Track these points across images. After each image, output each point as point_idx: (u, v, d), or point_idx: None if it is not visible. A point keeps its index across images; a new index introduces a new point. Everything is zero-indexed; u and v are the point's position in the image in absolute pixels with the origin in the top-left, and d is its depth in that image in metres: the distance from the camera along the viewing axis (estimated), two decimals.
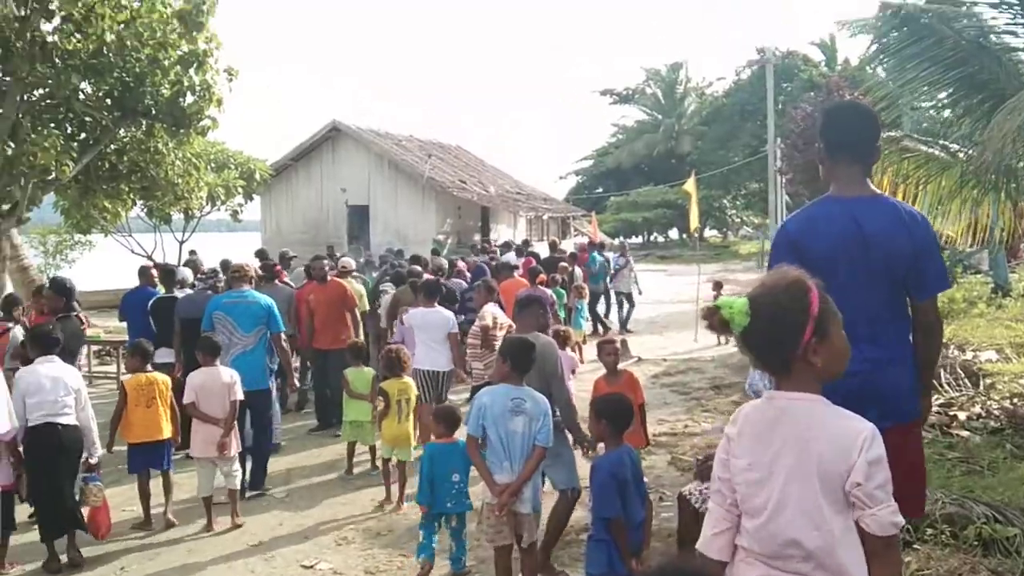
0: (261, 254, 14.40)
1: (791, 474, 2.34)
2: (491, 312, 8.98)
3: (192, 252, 21.63)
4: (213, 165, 21.03)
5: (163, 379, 7.16)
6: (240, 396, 7.05)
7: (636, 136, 57.07)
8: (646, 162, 55.52)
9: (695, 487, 5.48)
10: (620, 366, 9.79)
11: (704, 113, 55.45)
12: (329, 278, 10.24)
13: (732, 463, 2.47)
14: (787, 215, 8.12)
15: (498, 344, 8.74)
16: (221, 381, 6.95)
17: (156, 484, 7.10)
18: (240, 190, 23.09)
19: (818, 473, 2.30)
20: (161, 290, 9.65)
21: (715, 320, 2.49)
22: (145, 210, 20.89)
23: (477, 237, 29.93)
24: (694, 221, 17.29)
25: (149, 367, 7.19)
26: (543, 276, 12.32)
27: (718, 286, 16.70)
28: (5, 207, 12.87)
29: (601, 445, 5.08)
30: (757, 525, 2.40)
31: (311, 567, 6.15)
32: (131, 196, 16.13)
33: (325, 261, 10.80)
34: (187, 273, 10.65)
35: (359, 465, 8.53)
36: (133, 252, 23.77)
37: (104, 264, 26.27)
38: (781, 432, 2.38)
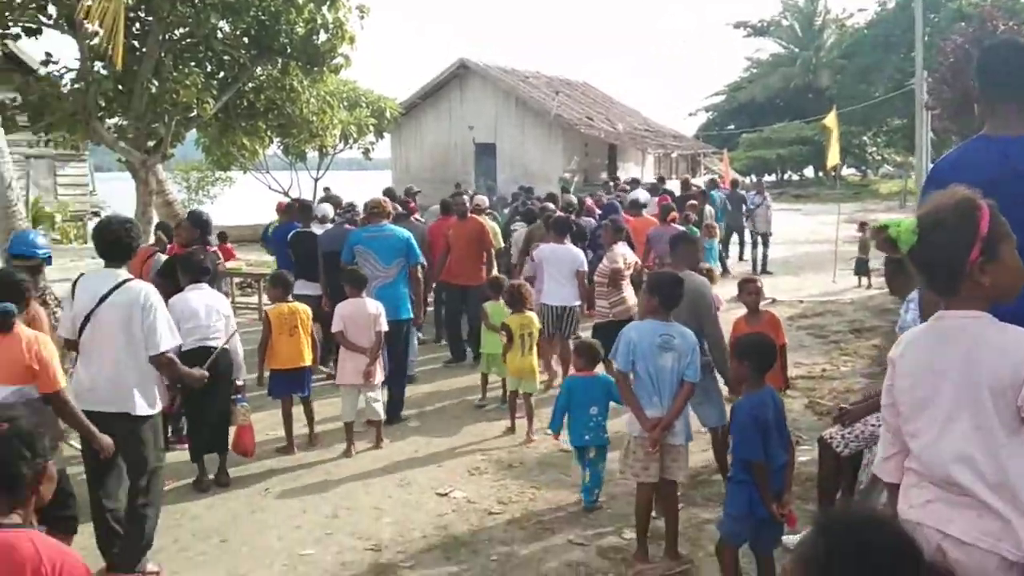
0: (389, 193, 14.56)
1: (959, 393, 2.27)
2: (621, 252, 8.97)
3: (326, 189, 22.14)
4: (346, 103, 21.35)
5: (304, 308, 7.41)
6: (385, 327, 7.25)
7: (771, 70, 54.83)
8: (781, 97, 53.42)
9: (836, 431, 5.29)
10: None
11: (844, 45, 52.72)
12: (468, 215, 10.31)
13: (896, 385, 2.43)
14: (932, 153, 7.63)
15: (625, 283, 8.78)
16: (367, 312, 7.15)
17: (296, 411, 7.37)
18: (371, 128, 23.43)
19: (988, 390, 2.22)
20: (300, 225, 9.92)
21: (882, 239, 2.41)
22: (281, 148, 21.47)
23: (604, 175, 29.58)
24: (833, 158, 16.51)
25: (290, 297, 7.42)
26: (675, 214, 12.02)
27: (863, 226, 15.96)
28: (150, 144, 13.38)
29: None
30: (923, 445, 2.34)
31: (445, 495, 6.26)
32: (268, 134, 16.55)
33: (465, 197, 10.93)
34: (328, 208, 10.94)
35: (492, 400, 8.63)
36: (270, 188, 24.54)
37: (243, 200, 27.28)
38: (947, 351, 2.32)
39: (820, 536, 1.85)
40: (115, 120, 13.28)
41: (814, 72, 52.19)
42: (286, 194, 24.18)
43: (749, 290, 6.72)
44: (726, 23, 71.03)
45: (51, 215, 21.97)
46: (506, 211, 13.88)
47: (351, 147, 24.19)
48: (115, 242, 4.89)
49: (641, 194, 15.35)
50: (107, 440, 4.58)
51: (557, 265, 8.93)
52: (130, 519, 4.90)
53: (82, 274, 5.09)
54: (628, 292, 8.99)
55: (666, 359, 5.04)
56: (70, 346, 4.96)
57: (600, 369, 6.51)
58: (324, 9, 13.25)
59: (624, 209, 12.97)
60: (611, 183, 20.38)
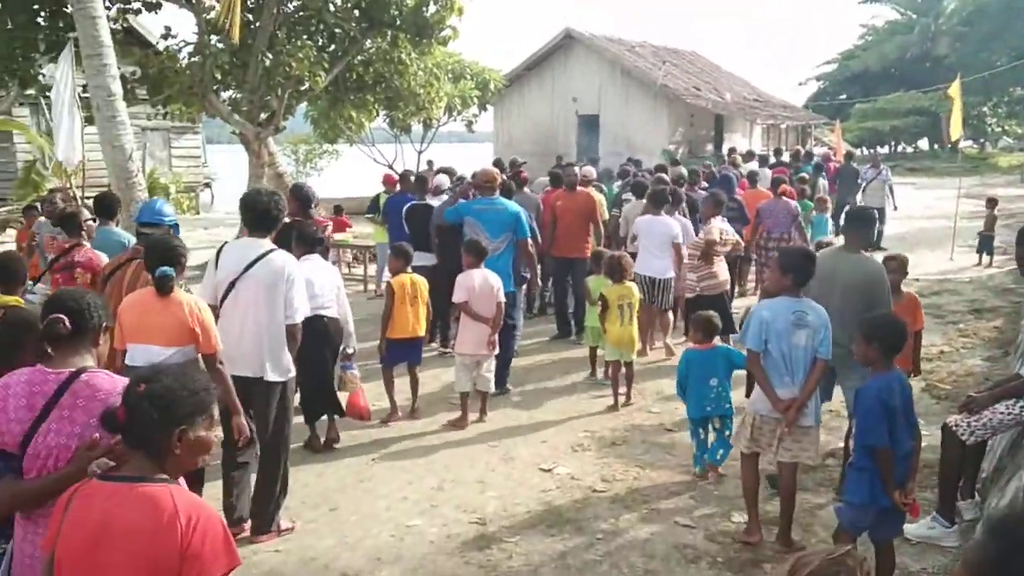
0: (498, 164, 14.60)
1: None
2: (718, 226, 9.02)
3: (430, 162, 22.32)
4: (450, 76, 21.42)
5: (422, 280, 7.60)
6: (503, 298, 7.35)
7: (887, 37, 52.47)
8: (896, 66, 51.11)
9: (962, 419, 5.09)
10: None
11: (965, 12, 50.07)
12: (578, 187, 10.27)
13: None
14: None
15: (718, 259, 8.82)
16: (489, 283, 7.27)
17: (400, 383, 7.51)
18: (475, 100, 23.47)
19: None
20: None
21: None
22: (387, 120, 21.69)
23: (710, 147, 28.99)
24: (956, 129, 15.76)
25: (409, 268, 7.61)
26: (786, 187, 11.69)
27: (992, 203, 15.19)
28: (263, 116, 13.68)
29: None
30: None
31: (549, 471, 6.26)
32: (376, 106, 16.76)
33: (576, 168, 10.94)
34: (444, 180, 11.05)
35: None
36: (375, 161, 24.86)
37: (349, 172, 27.73)
38: None
39: (993, 540, 1.73)
40: (229, 93, 13.61)
41: (932, 40, 49.78)
42: (390, 167, 24.46)
43: (891, 268, 6.34)
44: None
45: (166, 186, 22.75)
46: (616, 184, 13.67)
47: (455, 119, 24.30)
48: (264, 213, 5.05)
49: (755, 166, 15.03)
50: (244, 424, 4.76)
51: (651, 237, 9.05)
52: (261, 480, 5.12)
53: (226, 242, 5.29)
54: (720, 267, 9.01)
55: (800, 337, 4.95)
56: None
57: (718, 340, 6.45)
58: None
59: (739, 181, 12.77)
60: (725, 155, 19.88)
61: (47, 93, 12.47)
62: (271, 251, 5.03)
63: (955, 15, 50.48)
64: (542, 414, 7.58)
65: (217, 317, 4.93)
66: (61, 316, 2.96)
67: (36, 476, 2.78)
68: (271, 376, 5.00)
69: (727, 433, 6.13)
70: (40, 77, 12.90)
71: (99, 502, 2.31)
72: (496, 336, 7.31)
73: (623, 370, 7.84)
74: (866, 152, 36.00)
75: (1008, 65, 42.14)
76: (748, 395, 6.22)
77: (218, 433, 4.30)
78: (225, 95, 13.51)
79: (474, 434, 7.07)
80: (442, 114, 21.64)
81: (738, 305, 10.48)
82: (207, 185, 27.36)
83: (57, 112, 11.00)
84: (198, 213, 24.00)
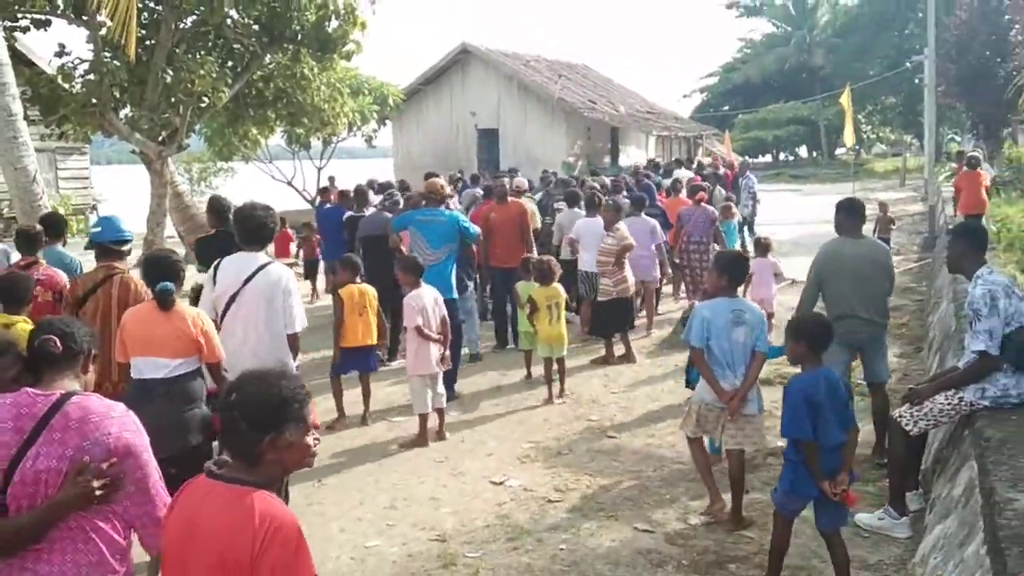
0: (402, 184, 14.47)
1: None
2: (625, 231, 9.45)
3: (331, 178, 22.01)
4: (348, 91, 21.18)
5: (371, 290, 7.68)
6: (444, 311, 7.30)
7: (765, 50, 54.49)
8: (776, 77, 53.10)
9: (905, 410, 5.27)
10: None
11: (838, 24, 52.58)
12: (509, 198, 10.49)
13: None
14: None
15: (626, 262, 9.35)
16: (434, 299, 7.22)
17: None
18: (374, 115, 23.26)
19: None
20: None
21: None
22: (284, 136, 21.29)
23: (607, 159, 29.47)
24: (850, 137, 16.44)
25: (358, 279, 7.65)
26: (703, 194, 12.07)
27: (884, 206, 15.84)
28: (164, 134, 13.24)
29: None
30: None
31: (501, 483, 6.20)
32: (277, 122, 16.41)
33: (505, 180, 11.35)
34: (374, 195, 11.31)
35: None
36: (274, 178, 24.36)
37: (245, 190, 27.05)
38: None
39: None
40: (127, 111, 13.12)
41: (808, 51, 51.97)
42: (290, 183, 24.03)
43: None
44: (718, 3, 70.67)
45: (55, 208, 21.73)
46: (536, 194, 13.75)
47: (354, 135, 24.02)
48: (259, 227, 5.22)
49: (683, 175, 15.59)
50: None
51: (588, 237, 9.86)
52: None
53: (221, 259, 5.33)
54: (629, 271, 9.32)
55: (738, 333, 5.34)
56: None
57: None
58: None
59: (660, 190, 13.45)
60: (642, 167, 20.23)
61: None
62: (268, 264, 5.18)
63: (828, 27, 52.88)
64: (484, 426, 7.53)
65: (218, 331, 4.94)
66: (52, 337, 2.87)
67: (17, 508, 2.63)
68: None
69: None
70: None
71: (198, 497, 2.38)
72: (448, 351, 7.30)
73: (555, 366, 8.25)
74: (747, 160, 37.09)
75: (880, 75, 44.28)
76: (688, 386, 6.70)
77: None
78: (123, 113, 12.99)
79: (417, 450, 6.95)
80: (343, 130, 21.37)
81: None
82: (94, 207, 26.27)
83: None
84: (86, 235, 22.99)
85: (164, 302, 4.62)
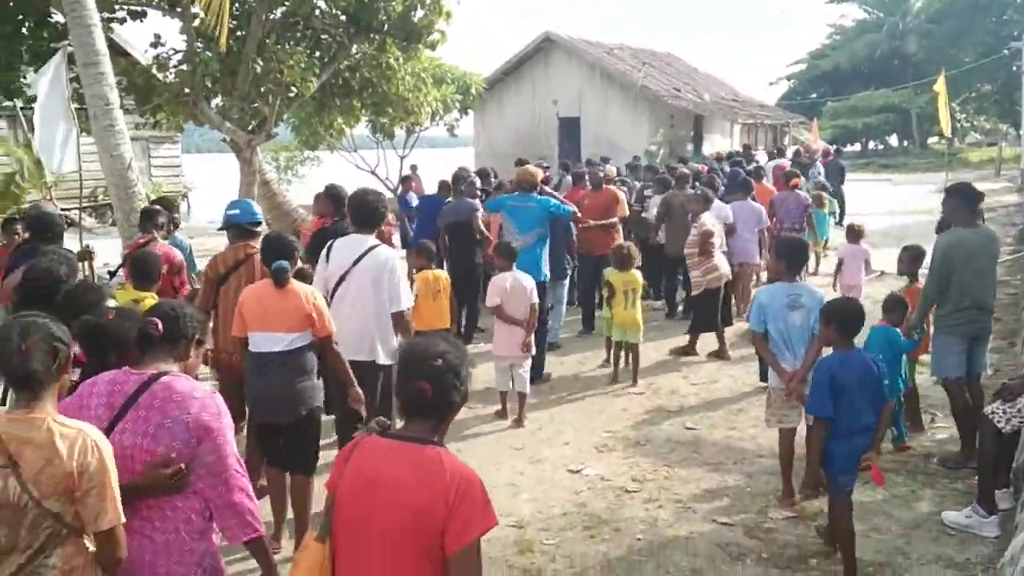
0: (482, 172, 14.54)
1: None
2: (709, 221, 9.30)
3: (413, 167, 22.23)
4: (432, 80, 21.34)
5: (445, 276, 7.81)
6: (536, 299, 7.39)
7: (856, 36, 52.92)
8: (866, 64, 51.55)
9: (998, 406, 5.12)
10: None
11: (932, 9, 50.68)
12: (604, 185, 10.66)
13: None
14: None
15: (716, 252, 9.21)
16: (522, 285, 7.31)
17: None
18: (456, 105, 23.38)
19: None
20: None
21: None
22: (369, 126, 21.55)
23: (690, 147, 29.10)
24: (945, 125, 15.92)
25: (433, 264, 7.80)
26: (797, 180, 12.02)
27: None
28: (254, 123, 13.55)
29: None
30: None
31: (578, 472, 6.22)
32: (362, 111, 16.62)
33: (599, 167, 11.52)
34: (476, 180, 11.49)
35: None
36: (358, 167, 24.69)
37: (331, 179, 27.49)
38: None
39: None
40: (218, 101, 13.46)
41: (901, 38, 50.31)
42: (373, 172, 24.34)
43: (904, 258, 7.38)
44: None
45: (146, 196, 22.42)
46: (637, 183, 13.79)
47: (437, 124, 24.18)
48: (373, 212, 5.56)
49: (769, 165, 15.64)
50: (359, 393, 5.07)
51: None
52: None
53: (334, 240, 5.65)
54: (719, 259, 9.14)
55: (795, 317, 5.48)
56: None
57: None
58: None
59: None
60: (735, 155, 20.19)
61: (31, 104, 12.27)
62: (376, 246, 5.46)
63: (922, 13, 51.07)
64: (562, 414, 7.55)
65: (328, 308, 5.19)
66: (156, 320, 3.02)
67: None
68: (382, 359, 5.42)
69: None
70: (25, 88, 12.68)
71: (378, 454, 2.54)
72: (532, 338, 7.35)
73: (627, 352, 8.47)
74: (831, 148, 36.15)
75: (975, 62, 42.70)
76: (762, 377, 6.96)
77: None
78: (214, 103, 13.34)
79: (495, 437, 7.02)
80: (426, 119, 21.56)
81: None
82: (184, 195, 27.06)
83: (45, 122, 10.80)
84: (177, 225, 23.68)
85: (280, 279, 4.84)
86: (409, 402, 2.59)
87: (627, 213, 10.81)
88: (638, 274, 8.48)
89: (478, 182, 11.32)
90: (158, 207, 7.34)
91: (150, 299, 5.16)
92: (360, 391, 5.07)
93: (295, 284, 4.93)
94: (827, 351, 5.02)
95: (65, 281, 4.46)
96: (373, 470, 2.51)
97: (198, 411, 2.88)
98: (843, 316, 4.70)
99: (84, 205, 12.75)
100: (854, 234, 9.94)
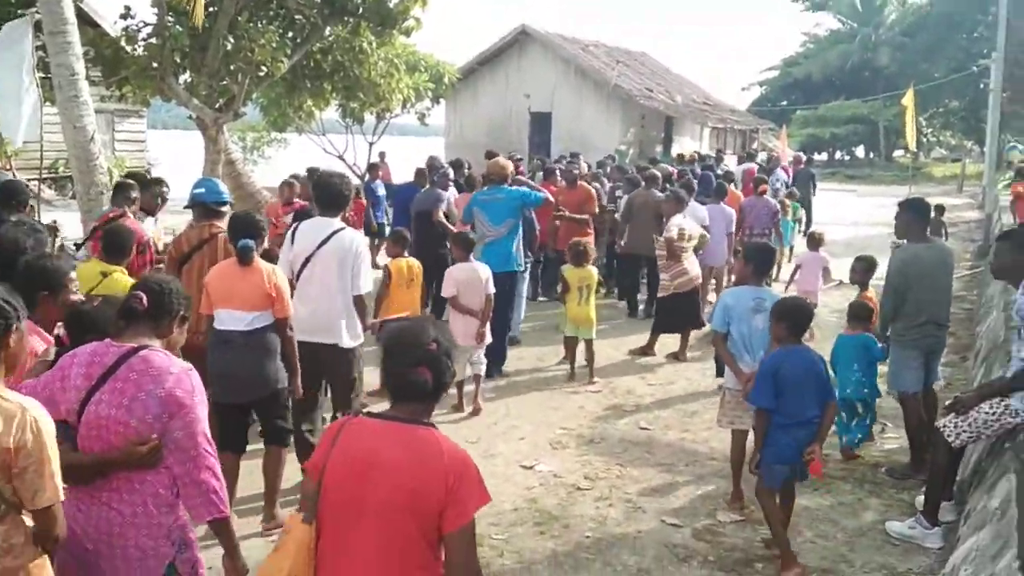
0: (456, 163, 14.49)
1: None
2: (677, 224, 9.22)
3: (382, 153, 22.11)
4: (405, 67, 21.18)
5: (418, 264, 7.78)
6: (492, 290, 7.45)
7: (829, 46, 53.37)
8: (837, 74, 52.05)
9: (950, 420, 5.17)
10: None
11: (906, 23, 51.34)
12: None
13: None
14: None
15: (686, 255, 9.14)
16: (478, 276, 7.39)
17: None
18: (429, 93, 23.24)
19: None
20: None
21: None
22: (339, 110, 21.36)
23: (659, 148, 29.23)
24: (911, 138, 16.13)
25: (406, 253, 7.76)
26: (765, 186, 12.12)
27: (940, 210, 15.52)
28: (221, 101, 13.37)
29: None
30: None
31: (531, 468, 6.22)
32: (333, 95, 16.45)
33: (574, 164, 11.77)
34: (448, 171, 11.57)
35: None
36: (325, 151, 24.48)
37: (297, 162, 27.25)
38: None
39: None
40: (186, 77, 13.26)
41: (873, 50, 50.84)
42: (341, 157, 24.14)
43: (858, 268, 7.65)
44: None
45: (109, 170, 22.07)
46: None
47: (408, 112, 24.02)
48: (337, 194, 5.58)
49: (735, 167, 15.72)
50: (299, 387, 5.20)
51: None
52: None
53: (298, 223, 5.72)
54: (689, 263, 9.14)
55: (758, 320, 5.57)
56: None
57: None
58: None
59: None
60: (708, 157, 20.28)
61: None
62: (341, 229, 5.48)
63: (896, 25, 51.70)
64: (519, 409, 7.55)
65: (293, 289, 5.27)
66: (140, 294, 3.04)
67: (86, 447, 2.90)
68: (346, 342, 5.47)
69: (868, 420, 6.48)
70: None
71: (368, 437, 2.54)
72: (487, 327, 7.38)
73: (582, 346, 8.48)
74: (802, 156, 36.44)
75: (945, 77, 43.27)
76: (718, 374, 7.13)
77: None
78: (182, 79, 13.14)
79: (451, 429, 6.98)
80: (397, 106, 21.42)
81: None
82: (148, 171, 26.66)
83: (6, 91, 10.59)
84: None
85: (244, 258, 4.95)
86: (406, 387, 2.59)
87: (597, 210, 10.89)
88: (593, 270, 8.58)
89: (451, 172, 11.36)
90: (132, 181, 7.24)
91: (118, 272, 5.27)
92: (300, 386, 5.19)
93: (259, 263, 5.00)
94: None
95: (29, 252, 4.35)
96: (367, 451, 2.52)
97: (172, 386, 2.91)
98: (795, 315, 4.94)
99: (44, 176, 12.49)
100: (814, 242, 10.12)
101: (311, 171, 7.74)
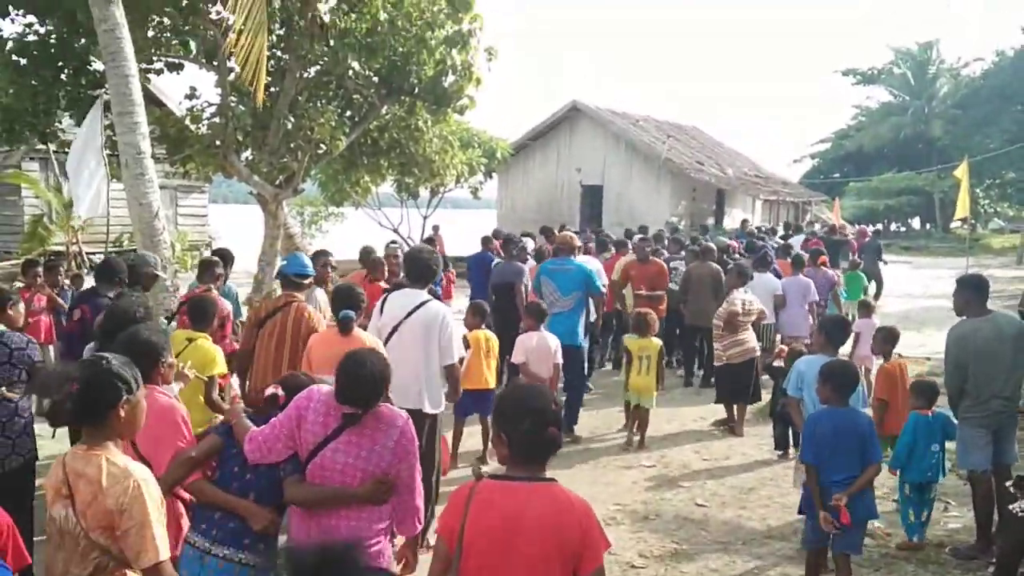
0: (496, 234, 14.73)
1: None
2: (740, 298, 9.30)
3: (435, 227, 22.44)
4: (459, 143, 21.61)
5: (495, 337, 8.02)
6: (560, 359, 7.69)
7: (881, 118, 53.27)
8: (890, 146, 51.87)
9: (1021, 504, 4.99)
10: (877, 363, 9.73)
11: (958, 95, 51.06)
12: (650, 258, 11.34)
13: None
14: None
15: (743, 329, 9.24)
16: (547, 344, 7.67)
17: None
18: (482, 168, 23.65)
19: None
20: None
21: None
22: (394, 185, 21.82)
23: (711, 220, 29.27)
24: (963, 209, 16.00)
25: (484, 325, 8.02)
26: (824, 258, 12.24)
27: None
28: (282, 177, 13.74)
29: None
30: None
31: None
32: (389, 171, 16.83)
33: (648, 240, 12.39)
34: (529, 243, 12.29)
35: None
36: (381, 225, 24.94)
37: (353, 235, 27.75)
38: None
39: None
40: (247, 154, 13.68)
41: (926, 122, 50.64)
42: (395, 230, 24.55)
43: (878, 339, 7.63)
44: (834, 70, 69.61)
45: (172, 244, 22.70)
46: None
47: (461, 186, 24.45)
48: (425, 267, 5.90)
49: (795, 241, 15.89)
50: None
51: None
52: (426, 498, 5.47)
53: (389, 293, 6.07)
54: (746, 335, 9.24)
55: None
56: None
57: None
58: (454, 51, 13.44)
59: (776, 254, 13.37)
60: (763, 229, 20.77)
61: (65, 149, 12.51)
62: (428, 300, 5.79)
63: (948, 98, 51.49)
64: (572, 484, 7.43)
65: None
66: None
67: (321, 481, 3.53)
68: (428, 409, 5.62)
69: (932, 497, 6.26)
70: (60, 133, 12.96)
71: (509, 496, 2.80)
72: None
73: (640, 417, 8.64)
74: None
75: (1001, 150, 42.83)
76: (777, 446, 7.76)
77: None
78: (244, 156, 13.55)
79: None
80: (451, 181, 21.81)
81: None
82: (209, 244, 27.37)
83: (76, 167, 11.03)
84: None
85: (345, 327, 5.43)
86: (541, 447, 2.84)
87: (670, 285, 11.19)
88: (655, 340, 8.70)
89: (530, 246, 11.88)
90: (217, 259, 7.89)
91: (202, 339, 5.73)
92: None
93: (359, 332, 5.47)
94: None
95: (140, 321, 4.76)
96: (509, 512, 2.75)
97: (399, 437, 3.59)
98: (840, 379, 5.10)
99: (109, 250, 12.90)
100: (865, 309, 10.07)
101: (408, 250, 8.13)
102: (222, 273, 7.64)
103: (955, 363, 5.94)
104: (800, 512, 5.38)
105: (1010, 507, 5.09)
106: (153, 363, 3.96)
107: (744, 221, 22.12)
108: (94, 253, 19.55)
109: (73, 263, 19.13)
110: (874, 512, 5.14)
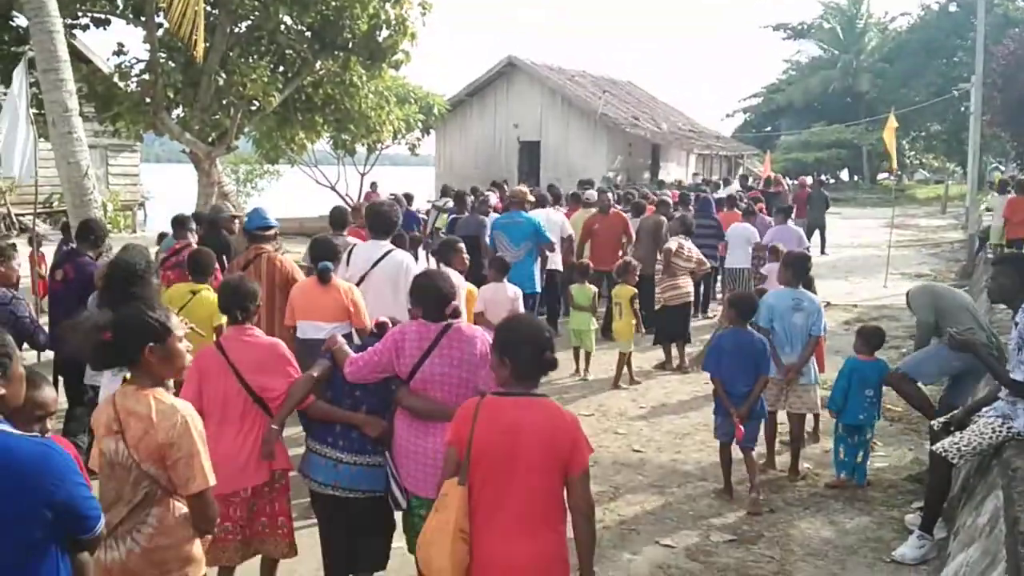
0: (445, 190, 14.78)
1: None
2: (678, 241, 9.97)
3: (373, 183, 22.30)
4: (395, 99, 21.44)
5: (472, 287, 8.03)
6: (522, 309, 7.77)
7: (811, 73, 53.99)
8: (820, 100, 52.64)
9: (949, 444, 5.10)
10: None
11: (886, 49, 51.97)
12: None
13: None
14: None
15: (681, 273, 9.76)
16: (507, 295, 7.82)
17: None
18: (419, 124, 23.51)
19: None
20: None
21: None
22: (331, 142, 21.61)
23: (646, 175, 29.54)
24: (893, 161, 16.41)
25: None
26: (762, 205, 12.80)
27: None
28: (214, 135, 13.55)
29: None
30: None
31: None
32: (324, 127, 16.68)
33: (609, 194, 12.66)
34: (492, 198, 12.27)
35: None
36: (317, 183, 24.68)
37: (289, 193, 27.45)
38: None
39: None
40: (179, 112, 13.45)
41: (854, 75, 51.44)
42: (333, 187, 24.33)
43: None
44: (764, 24, 70.18)
45: (103, 204, 22.20)
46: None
47: (398, 142, 24.29)
48: (385, 219, 6.27)
49: (734, 190, 16.69)
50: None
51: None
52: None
53: (354, 245, 6.37)
54: (682, 280, 9.80)
55: (797, 317, 6.58)
56: None
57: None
58: (388, 5, 13.34)
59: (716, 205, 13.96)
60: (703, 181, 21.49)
61: None
62: (391, 251, 6.19)
63: (876, 52, 52.36)
64: None
65: None
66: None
67: (424, 392, 4.06)
68: None
69: (868, 438, 6.52)
70: None
71: (510, 408, 3.21)
72: None
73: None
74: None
75: (926, 102, 43.80)
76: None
77: None
78: (175, 113, 13.33)
79: None
80: (388, 137, 21.65)
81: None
82: (141, 204, 26.83)
83: (8, 128, 10.73)
84: (134, 231, 23.51)
85: (323, 278, 5.80)
86: (540, 367, 3.28)
87: (634, 236, 11.48)
88: (629, 288, 9.19)
89: (492, 199, 11.95)
90: (187, 215, 8.48)
91: (205, 290, 5.94)
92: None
93: (336, 281, 5.86)
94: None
95: (143, 274, 4.90)
96: (511, 420, 3.17)
97: (480, 347, 4.06)
98: (744, 305, 6.29)
99: (39, 211, 12.61)
100: (775, 255, 10.30)
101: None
102: (195, 228, 8.14)
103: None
104: (714, 413, 6.26)
105: (933, 447, 5.27)
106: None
107: (695, 175, 22.72)
108: (23, 215, 19.05)
109: (2, 224, 18.63)
110: (764, 413, 6.26)
